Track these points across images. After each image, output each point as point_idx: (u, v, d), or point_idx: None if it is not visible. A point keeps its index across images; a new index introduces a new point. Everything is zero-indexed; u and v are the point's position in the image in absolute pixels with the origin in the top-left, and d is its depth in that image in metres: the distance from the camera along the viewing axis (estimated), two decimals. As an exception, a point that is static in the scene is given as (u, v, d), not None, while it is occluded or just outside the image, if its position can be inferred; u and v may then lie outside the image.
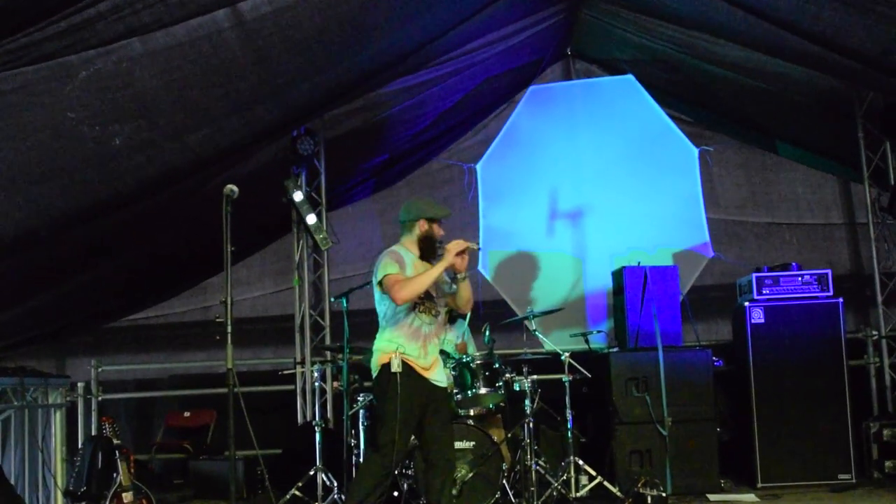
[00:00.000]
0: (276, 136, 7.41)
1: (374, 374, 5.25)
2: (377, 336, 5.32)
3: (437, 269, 5.15)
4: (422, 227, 5.35)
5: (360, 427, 6.58)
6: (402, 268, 5.18)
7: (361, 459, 6.51)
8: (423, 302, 5.26)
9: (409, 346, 5.18)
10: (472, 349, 7.20)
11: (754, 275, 7.26)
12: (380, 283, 5.16)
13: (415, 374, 5.16)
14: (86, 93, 5.36)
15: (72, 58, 5.02)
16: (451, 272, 5.29)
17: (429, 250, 5.34)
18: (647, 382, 6.98)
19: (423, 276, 5.14)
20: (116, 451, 6.14)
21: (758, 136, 9.09)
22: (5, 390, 5.44)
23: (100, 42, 4.99)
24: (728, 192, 9.10)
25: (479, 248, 5.72)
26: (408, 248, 5.33)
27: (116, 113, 5.69)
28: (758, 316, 7.17)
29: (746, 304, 7.20)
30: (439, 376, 5.31)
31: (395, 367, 5.06)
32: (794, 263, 7.34)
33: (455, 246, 5.20)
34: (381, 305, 5.29)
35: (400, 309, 5.20)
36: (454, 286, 5.36)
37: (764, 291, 7.19)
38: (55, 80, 5.16)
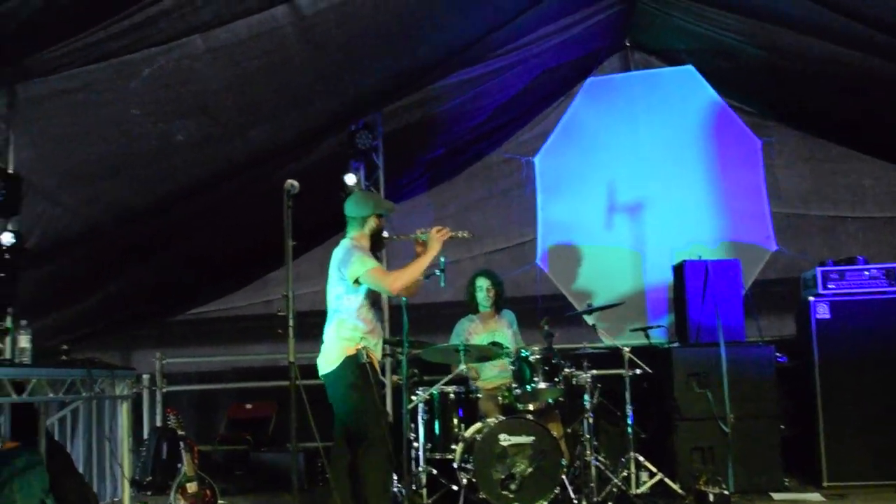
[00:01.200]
0: (334, 130, 7.46)
1: (333, 366, 5.19)
2: (334, 327, 5.28)
3: (428, 258, 5.28)
4: (374, 221, 5.42)
5: (419, 421, 6.60)
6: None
7: (420, 453, 6.54)
8: (378, 295, 5.41)
9: (369, 338, 5.25)
10: (519, 341, 7.16)
11: (819, 269, 7.12)
12: (357, 278, 5.17)
13: (374, 367, 5.25)
14: (149, 90, 5.45)
15: (135, 55, 5.11)
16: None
17: (378, 244, 5.47)
18: (708, 378, 6.88)
19: (415, 265, 5.28)
20: (181, 442, 6.23)
21: (824, 127, 8.89)
22: (74, 381, 5.55)
23: (162, 39, 5.08)
24: (791, 184, 8.92)
25: (468, 237, 5.69)
26: (360, 244, 5.35)
27: (179, 109, 5.78)
28: (823, 311, 7.02)
29: (811, 298, 7.06)
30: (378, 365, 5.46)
31: (364, 359, 5.13)
32: (860, 257, 7.18)
33: (440, 234, 5.31)
34: (344, 299, 5.26)
35: (360, 304, 5.24)
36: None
37: (829, 286, 7.04)
38: (119, 78, 5.26)
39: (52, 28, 4.71)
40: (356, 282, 5.19)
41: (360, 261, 5.18)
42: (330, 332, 5.30)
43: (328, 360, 5.23)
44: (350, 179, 7.79)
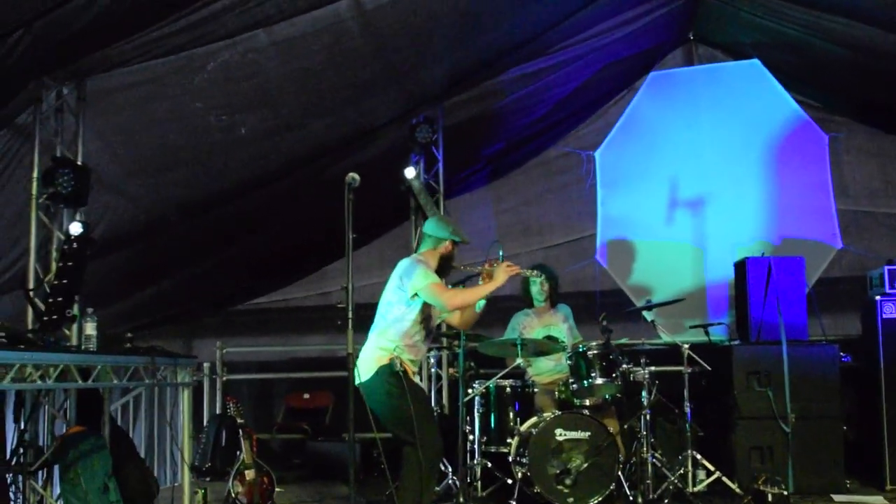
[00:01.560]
0: (395, 123, 7.50)
1: (368, 375, 5.14)
2: (375, 336, 5.28)
3: (490, 287, 5.25)
4: (447, 246, 5.41)
5: (476, 414, 6.61)
6: None
7: (475, 445, 6.56)
8: (430, 319, 5.35)
9: (407, 353, 5.22)
10: (576, 335, 7.13)
11: (887, 267, 6.95)
12: (417, 291, 5.15)
13: (408, 377, 5.20)
14: (212, 84, 5.53)
15: (199, 50, 5.19)
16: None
17: (445, 269, 5.42)
18: (769, 377, 6.78)
19: (477, 290, 5.30)
20: (240, 430, 6.33)
21: (893, 122, 8.69)
22: (138, 368, 5.66)
23: (226, 34, 5.15)
24: (858, 181, 8.73)
25: (535, 276, 5.74)
26: (427, 261, 5.34)
27: (242, 103, 5.86)
28: (890, 311, 6.87)
29: (878, 297, 6.91)
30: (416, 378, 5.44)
31: (398, 368, 5.10)
32: (929, 256, 7.01)
33: (508, 270, 5.29)
34: (395, 309, 5.25)
35: (410, 318, 5.22)
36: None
37: (897, 285, 6.89)
38: (183, 72, 5.35)
39: (121, 23, 4.80)
40: (414, 296, 5.18)
41: (423, 274, 5.18)
42: (370, 339, 5.31)
43: (364, 369, 5.19)
44: (410, 172, 7.83)
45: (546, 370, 7.00)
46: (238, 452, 6.30)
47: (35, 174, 5.59)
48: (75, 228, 5.49)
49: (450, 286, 5.53)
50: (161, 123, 5.82)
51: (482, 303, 5.45)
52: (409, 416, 5.02)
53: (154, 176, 6.29)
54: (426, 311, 5.29)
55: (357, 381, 5.14)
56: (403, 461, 5.10)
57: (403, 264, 5.32)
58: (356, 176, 4.75)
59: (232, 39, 5.23)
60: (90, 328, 5.35)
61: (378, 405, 5.17)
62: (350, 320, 4.66)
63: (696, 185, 8.49)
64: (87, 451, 5.70)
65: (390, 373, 5.10)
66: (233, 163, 6.52)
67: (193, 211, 6.93)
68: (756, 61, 8.35)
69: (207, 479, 7.36)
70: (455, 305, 5.28)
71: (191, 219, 7.01)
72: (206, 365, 8.64)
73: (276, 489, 6.39)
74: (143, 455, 7.13)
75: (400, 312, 5.23)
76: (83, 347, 5.36)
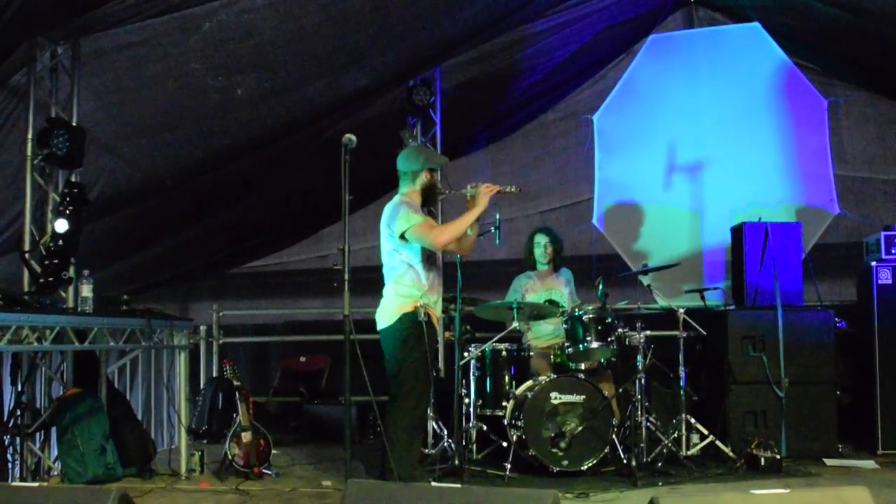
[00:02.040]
0: (392, 86, 7.45)
1: (389, 321, 5.19)
2: (392, 284, 5.27)
3: (474, 213, 5.22)
4: (426, 175, 5.37)
5: (471, 377, 6.64)
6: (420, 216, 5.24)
7: (471, 409, 6.59)
8: (433, 254, 5.33)
9: (429, 296, 5.25)
10: (575, 299, 7.15)
11: (883, 233, 6.96)
12: (403, 234, 5.14)
13: (431, 324, 5.26)
14: (209, 44, 5.49)
15: (196, 9, 5.14)
16: None
17: (430, 199, 5.43)
18: (764, 342, 6.81)
19: (460, 221, 5.25)
20: (236, 393, 6.35)
21: (893, 88, 8.64)
22: (134, 331, 5.68)
23: (222, -7, 5.09)
24: (857, 146, 8.71)
25: (516, 191, 5.56)
26: (411, 198, 5.32)
27: (238, 64, 5.81)
28: (885, 276, 6.88)
29: (873, 263, 6.92)
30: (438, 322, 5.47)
31: (422, 317, 5.13)
32: (926, 222, 7.01)
33: (487, 189, 5.25)
34: (396, 255, 5.25)
35: (416, 260, 5.22)
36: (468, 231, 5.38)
37: (893, 251, 6.89)
38: (180, 32, 5.30)
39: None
40: (402, 237, 5.17)
41: (405, 216, 5.16)
42: (388, 288, 5.30)
43: (385, 315, 5.24)
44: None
45: (544, 334, 7.02)
46: (235, 415, 6.32)
47: (30, 135, 5.55)
48: (61, 226, 5.40)
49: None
50: (157, 84, 5.78)
51: (496, 234, 5.50)
52: (412, 369, 5.10)
53: (150, 137, 6.25)
54: (425, 248, 5.28)
55: (378, 328, 5.27)
56: (390, 413, 5.16)
57: (387, 209, 5.30)
58: (353, 137, 4.73)
59: (228, -1, 5.18)
60: (86, 290, 5.36)
61: (390, 351, 5.22)
62: (346, 282, 4.66)
63: (695, 149, 8.45)
64: (84, 414, 5.74)
65: (413, 321, 5.13)
66: (229, 125, 6.48)
67: (190, 173, 6.90)
68: (756, 24, 8.27)
69: (204, 441, 7.40)
70: (443, 242, 5.21)
71: (187, 181, 6.98)
72: (202, 328, 8.65)
73: (273, 451, 6.43)
74: (140, 417, 7.16)
75: (404, 257, 5.24)
76: (79, 309, 5.37)
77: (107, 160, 6.21)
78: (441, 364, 7.73)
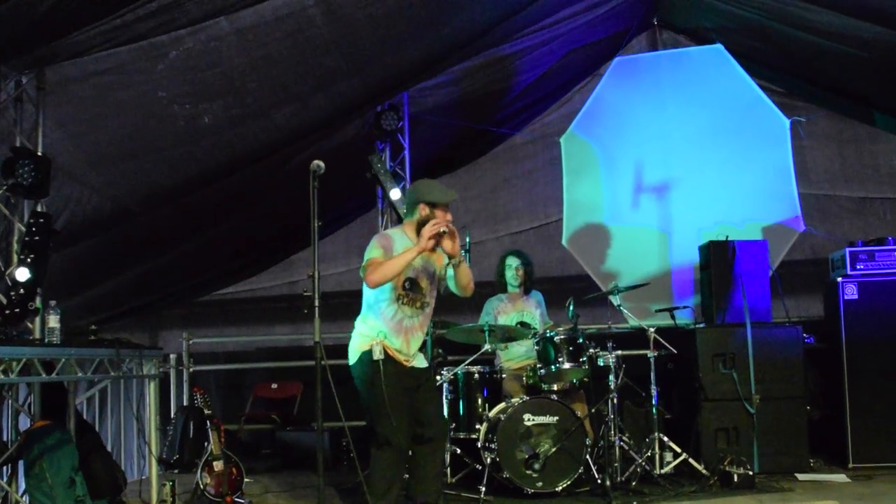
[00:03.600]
0: (360, 111, 7.47)
1: (352, 360, 5.08)
2: (358, 320, 5.17)
3: (409, 254, 4.87)
4: (422, 211, 5.05)
5: (444, 400, 6.63)
6: (388, 252, 4.95)
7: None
8: (408, 293, 5.06)
9: (391, 337, 5.02)
10: (546, 321, 7.18)
11: (848, 249, 7.06)
12: (363, 267, 4.96)
13: (396, 362, 5.01)
14: (176, 72, 5.48)
15: (163, 38, 5.14)
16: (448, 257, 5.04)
17: None
18: (734, 359, 6.87)
19: (393, 261, 4.89)
20: (208, 421, 6.30)
21: (853, 106, 8.80)
22: (103, 361, 5.62)
23: (189, 21, 5.09)
24: (820, 165, 8.86)
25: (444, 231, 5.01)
26: (405, 233, 5.12)
27: (205, 91, 5.80)
28: (851, 292, 6.97)
29: (839, 279, 7.01)
30: (420, 363, 5.20)
31: (378, 355, 4.89)
32: (889, 238, 7.12)
33: (428, 230, 4.86)
34: (366, 291, 5.11)
35: (382, 298, 5.01)
36: (449, 271, 5.12)
37: (858, 267, 7.00)
38: (147, 60, 5.29)
39: (81, 10, 4.73)
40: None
41: (369, 249, 4.99)
42: (356, 324, 5.20)
43: (350, 352, 5.14)
44: (375, 160, 7.80)
45: (517, 356, 7.03)
46: (206, 444, 6.27)
47: (-6, 165, 5.49)
48: (22, 275, 5.32)
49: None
50: (123, 112, 5.75)
51: (466, 258, 5.17)
52: (375, 409, 4.92)
53: (117, 166, 6.21)
54: (398, 288, 5.03)
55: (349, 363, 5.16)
56: (370, 458, 5.03)
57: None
58: (321, 164, 4.72)
59: (194, 27, 5.17)
60: (53, 321, 5.30)
61: (358, 391, 5.11)
62: (317, 309, 4.64)
63: (661, 169, 8.53)
64: (52, 446, 5.65)
65: (369, 360, 4.94)
66: (197, 152, 6.45)
67: (157, 201, 6.85)
68: (719, 46, 8.40)
69: (175, 471, 7.32)
70: (374, 282, 4.86)
71: (155, 209, 6.94)
72: (172, 356, 8.58)
73: (245, 480, 6.38)
74: (109, 448, 7.07)
75: (371, 295, 5.08)
76: (46, 340, 5.30)
77: (73, 189, 6.16)
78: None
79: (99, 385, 7.52)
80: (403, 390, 5.03)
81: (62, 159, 5.79)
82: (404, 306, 5.08)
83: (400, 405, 4.96)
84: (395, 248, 5.01)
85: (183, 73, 5.53)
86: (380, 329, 5.03)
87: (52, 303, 5.36)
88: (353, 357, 5.10)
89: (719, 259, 7.18)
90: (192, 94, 5.78)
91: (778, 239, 8.07)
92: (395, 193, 7.83)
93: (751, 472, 6.30)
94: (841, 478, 6.52)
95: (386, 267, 4.87)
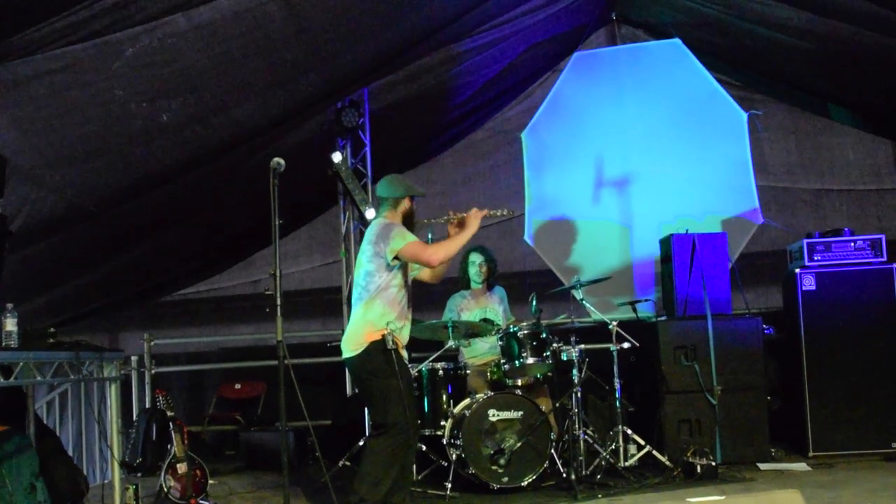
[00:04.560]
0: (320, 108, 7.43)
1: (357, 350, 5.07)
2: (361, 309, 5.13)
3: (466, 236, 5.25)
4: (407, 203, 5.35)
5: (409, 397, 6.62)
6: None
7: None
8: (408, 280, 5.28)
9: (397, 322, 5.11)
10: (509, 317, 7.20)
11: (805, 241, 7.16)
12: (398, 254, 5.06)
13: (398, 352, 5.10)
14: (133, 70, 5.40)
15: (118, 35, 5.06)
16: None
17: (409, 226, 5.31)
18: (695, 351, 6.93)
19: (454, 241, 5.23)
20: (170, 423, 6.24)
21: (808, 99, 8.92)
22: (62, 364, 5.53)
23: (145, 18, 5.03)
24: (777, 157, 8.97)
25: (507, 215, 5.82)
26: (395, 222, 5.28)
27: (163, 89, 5.74)
28: (809, 283, 7.07)
29: (797, 270, 7.10)
30: (404, 351, 5.32)
31: (391, 345, 4.98)
32: (846, 229, 7.22)
33: (477, 214, 5.31)
34: (376, 277, 5.12)
35: (394, 283, 5.13)
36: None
37: (815, 258, 7.09)
38: (102, 58, 5.21)
39: (34, 8, 4.65)
40: (395, 258, 5.08)
41: (401, 234, 5.09)
42: (356, 313, 5.17)
43: (352, 343, 5.09)
44: (336, 156, 7.77)
45: (481, 352, 7.04)
46: (169, 446, 6.20)
47: (-53, 167, 5.39)
48: None
49: None
50: (80, 111, 5.67)
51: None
52: (391, 397, 4.95)
53: (74, 165, 6.12)
54: (405, 273, 5.23)
55: (343, 356, 5.14)
56: (370, 442, 5.05)
57: (375, 229, 5.20)
58: (281, 161, 4.70)
59: (151, 24, 5.11)
60: (10, 324, 5.20)
61: (362, 382, 5.13)
62: (279, 307, 4.61)
63: (622, 164, 8.59)
64: (11, 452, 5.55)
65: (382, 350, 4.98)
66: (155, 150, 6.38)
67: (116, 200, 6.77)
68: (677, 41, 8.46)
69: (139, 474, 7.26)
70: (439, 260, 5.13)
71: (114, 208, 6.85)
72: (133, 358, 8.48)
73: (210, 481, 6.33)
74: (71, 453, 6.99)
75: (382, 280, 5.12)
76: (3, 344, 5.21)
77: (30, 190, 6.06)
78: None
79: (59, 389, 7.42)
80: (408, 381, 5.15)
81: (18, 159, 5.68)
82: (406, 293, 5.24)
83: (411, 395, 5.11)
84: None
85: (140, 70, 5.45)
86: (388, 316, 5.08)
87: (9, 306, 5.26)
88: (358, 346, 5.06)
89: (680, 252, 7.24)
90: (150, 92, 5.71)
91: (737, 231, 8.16)
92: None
93: (713, 463, 6.36)
94: (802, 466, 6.61)
95: (448, 246, 5.19)
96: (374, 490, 4.91)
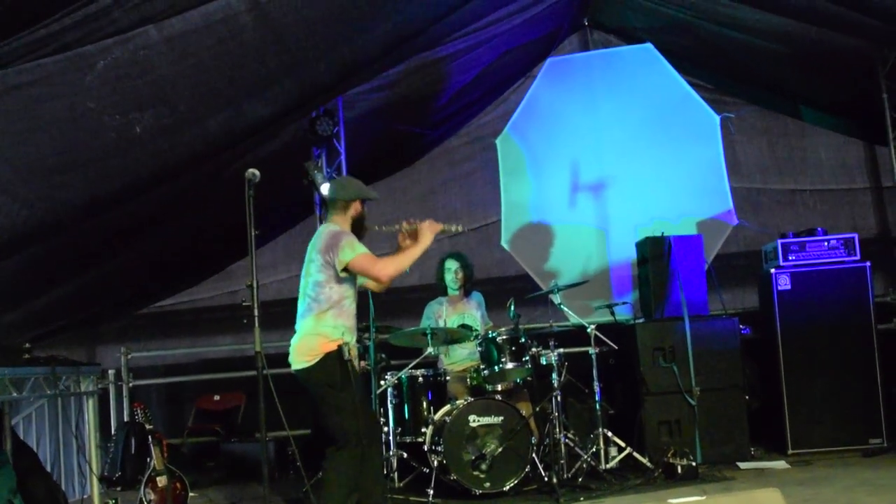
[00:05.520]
0: (295, 117, 7.41)
1: (310, 362, 4.88)
2: (312, 320, 4.94)
3: (419, 249, 5.04)
4: (357, 207, 5.15)
5: (389, 405, 6.62)
6: None
7: (390, 437, 6.56)
8: (357, 290, 5.13)
9: (348, 333, 4.98)
10: (487, 322, 7.21)
11: (780, 241, 7.22)
12: (347, 265, 4.89)
13: (352, 364, 4.96)
14: (105, 82, 5.37)
15: (89, 48, 5.03)
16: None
17: (358, 232, 5.15)
18: (674, 352, 6.97)
19: (406, 255, 5.04)
20: (149, 436, 6.20)
21: (780, 101, 9.00)
22: (38, 379, 5.50)
23: (116, 31, 5.00)
24: (750, 159, 9.04)
25: (461, 231, 5.54)
26: (344, 228, 5.11)
27: (136, 101, 5.71)
28: (784, 282, 7.13)
29: (772, 270, 7.16)
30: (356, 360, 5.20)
31: (347, 355, 4.85)
32: (819, 229, 7.29)
33: (432, 227, 5.09)
34: (326, 288, 4.94)
35: (347, 294, 4.98)
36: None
37: (790, 257, 7.16)
38: (74, 71, 5.18)
39: (3, 22, 4.62)
40: (344, 270, 4.90)
41: (350, 245, 4.89)
42: (307, 323, 4.97)
43: (303, 354, 4.93)
44: (325, 189, 7.69)
45: (460, 358, 7.05)
46: (148, 459, 6.17)
47: (-83, 182, 5.34)
48: None
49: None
50: (51, 124, 5.62)
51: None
52: (348, 409, 4.83)
53: (46, 178, 6.07)
54: (355, 284, 5.08)
55: (294, 368, 4.95)
56: (327, 462, 4.90)
57: (323, 235, 5.02)
58: (256, 172, 4.69)
59: (122, 36, 5.08)
60: (-15, 340, 5.17)
61: (316, 393, 4.93)
62: (256, 318, 4.59)
63: (597, 168, 8.64)
64: (-12, 468, 5.52)
65: (339, 361, 4.83)
66: (129, 163, 6.34)
67: (90, 213, 6.72)
68: (649, 45, 8.52)
69: (118, 488, 7.20)
70: (389, 276, 4.97)
71: (88, 222, 6.80)
72: (110, 372, 8.42)
73: (190, 494, 6.30)
74: (49, 468, 6.91)
75: (335, 292, 4.94)
76: (-22, 360, 5.18)
77: (2, 203, 6.01)
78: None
79: (35, 404, 7.35)
80: (363, 389, 5.08)
81: (-11, 174, 5.64)
82: (355, 303, 5.08)
83: (364, 405, 5.01)
84: None
85: (112, 83, 5.42)
86: (342, 328, 4.94)
87: (-17, 322, 5.23)
88: (310, 358, 4.89)
89: (656, 254, 7.28)
90: (123, 104, 5.67)
91: (712, 233, 8.23)
92: (324, 188, 7.68)
93: (694, 463, 6.40)
94: (781, 464, 6.66)
95: (399, 261, 5.02)
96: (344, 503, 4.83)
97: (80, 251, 7.27)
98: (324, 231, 5.08)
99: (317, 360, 4.87)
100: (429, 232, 5.08)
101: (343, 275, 4.94)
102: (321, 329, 4.91)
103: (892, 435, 6.98)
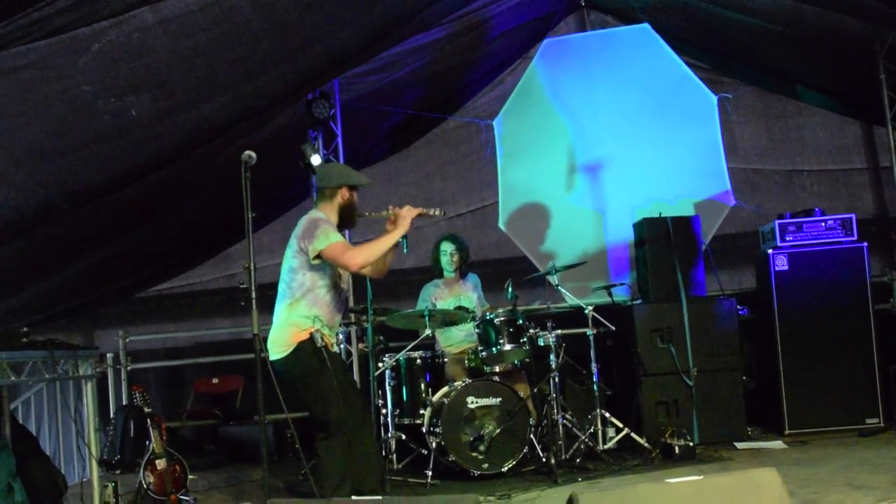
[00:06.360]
0: (291, 100, 7.39)
1: (284, 353, 4.85)
2: (286, 309, 4.94)
3: (394, 236, 4.98)
4: (343, 194, 5.09)
5: (387, 387, 6.63)
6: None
7: (389, 419, 6.58)
8: (340, 277, 5.08)
9: (321, 321, 4.92)
10: (484, 304, 7.22)
11: (777, 222, 7.22)
12: (319, 253, 4.84)
13: (329, 350, 4.95)
14: (100, 65, 5.35)
15: (84, 30, 5.01)
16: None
17: (348, 220, 5.13)
18: (671, 333, 6.98)
19: (380, 242, 4.98)
20: (148, 420, 6.21)
21: (778, 82, 8.98)
22: (36, 363, 5.50)
23: (111, 13, 4.98)
24: (748, 139, 9.02)
25: (440, 216, 5.61)
26: (327, 217, 5.05)
27: (131, 84, 5.68)
28: (781, 263, 7.13)
29: (770, 251, 7.17)
30: (335, 348, 5.18)
31: (320, 342, 4.83)
32: (817, 209, 7.29)
33: (409, 212, 5.04)
34: (300, 275, 4.93)
35: (321, 283, 4.93)
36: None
37: (787, 238, 7.16)
38: (68, 54, 5.16)
39: (-4, 5, 4.60)
40: (317, 257, 4.87)
41: (324, 233, 4.85)
42: (280, 312, 4.97)
43: (278, 345, 4.89)
44: (315, 160, 7.70)
45: (457, 340, 7.06)
46: (147, 442, 6.18)
47: (-87, 167, 5.33)
48: None
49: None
50: (47, 108, 5.61)
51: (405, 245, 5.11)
52: (328, 395, 4.82)
53: (43, 163, 6.06)
54: (335, 271, 5.02)
55: (271, 359, 4.89)
56: (320, 445, 4.87)
57: (302, 222, 5.01)
58: (252, 154, 4.67)
59: (117, 19, 5.05)
60: (-18, 324, 5.17)
61: (293, 385, 4.88)
62: (254, 301, 4.59)
63: (594, 149, 8.62)
64: (-13, 452, 5.53)
65: (312, 349, 4.81)
66: (125, 146, 6.32)
67: (87, 198, 6.71)
68: (646, 26, 8.49)
69: (117, 471, 7.21)
70: (358, 264, 4.88)
71: (85, 206, 6.79)
72: (109, 355, 8.43)
73: (189, 477, 6.30)
74: (48, 452, 6.94)
75: (307, 279, 4.92)
76: (-24, 345, 5.18)
77: (-2, 189, 6.00)
78: (356, 376, 7.70)
79: (34, 388, 7.37)
80: (343, 374, 5.04)
81: (-16, 159, 5.63)
82: (336, 292, 5.04)
83: (347, 390, 4.98)
84: None
85: (107, 66, 5.40)
86: (315, 316, 4.90)
87: (-20, 306, 5.23)
88: (284, 349, 4.87)
89: (653, 235, 7.28)
90: (118, 87, 5.65)
91: (710, 214, 8.23)
92: (315, 159, 7.64)
93: (691, 444, 6.42)
94: (778, 444, 6.68)
95: (370, 249, 4.95)
96: (340, 488, 4.80)
97: (78, 236, 7.26)
98: (305, 218, 5.06)
99: (290, 350, 4.86)
100: (406, 217, 5.03)
101: (315, 262, 4.90)
102: (293, 319, 4.91)
103: (888, 415, 7.00)
